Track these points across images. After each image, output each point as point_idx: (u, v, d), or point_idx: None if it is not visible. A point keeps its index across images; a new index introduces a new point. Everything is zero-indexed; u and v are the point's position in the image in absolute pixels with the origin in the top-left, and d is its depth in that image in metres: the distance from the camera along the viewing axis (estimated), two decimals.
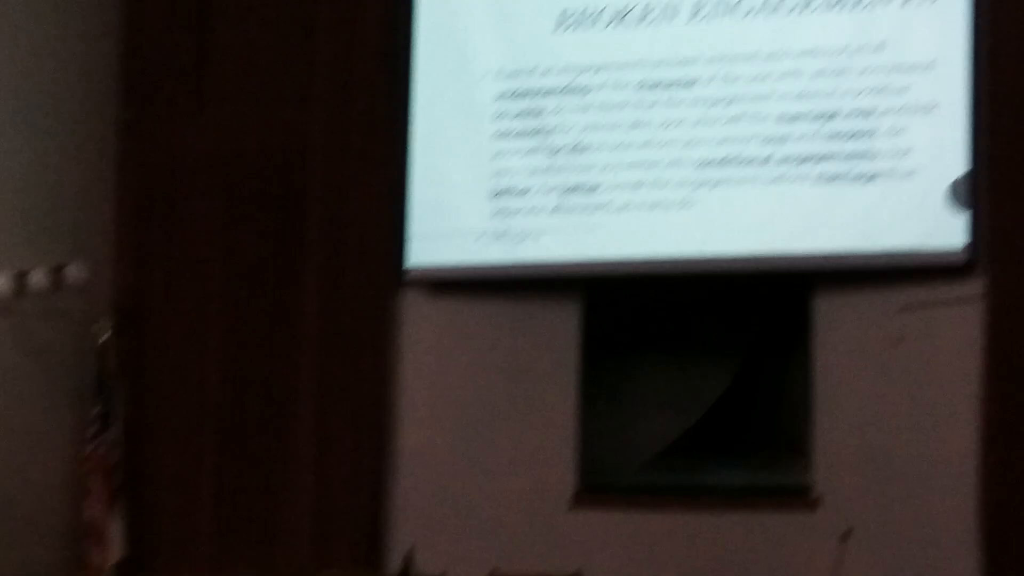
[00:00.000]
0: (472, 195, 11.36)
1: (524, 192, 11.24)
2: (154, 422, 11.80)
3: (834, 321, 10.44)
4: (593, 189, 11.01)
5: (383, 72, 11.58)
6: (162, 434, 11.84)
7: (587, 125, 11.03)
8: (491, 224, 11.29)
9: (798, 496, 10.22)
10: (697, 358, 11.20)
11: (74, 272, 11.08)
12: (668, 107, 10.72)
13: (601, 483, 10.88)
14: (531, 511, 10.71)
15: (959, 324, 9.93)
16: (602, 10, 10.78)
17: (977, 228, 9.60)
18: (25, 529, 10.68)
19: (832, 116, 10.23)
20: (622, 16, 10.83)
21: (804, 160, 10.30)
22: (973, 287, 9.80)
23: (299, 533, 11.31)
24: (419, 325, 11.52)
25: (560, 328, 11.06)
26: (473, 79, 11.43)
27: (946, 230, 9.89)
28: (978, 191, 9.60)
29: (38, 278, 10.87)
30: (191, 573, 11.28)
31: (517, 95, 11.27)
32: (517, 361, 11.12)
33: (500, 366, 11.20)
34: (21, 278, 10.82)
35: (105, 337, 11.45)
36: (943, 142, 9.94)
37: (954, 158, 9.84)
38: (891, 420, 10.04)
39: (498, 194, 11.30)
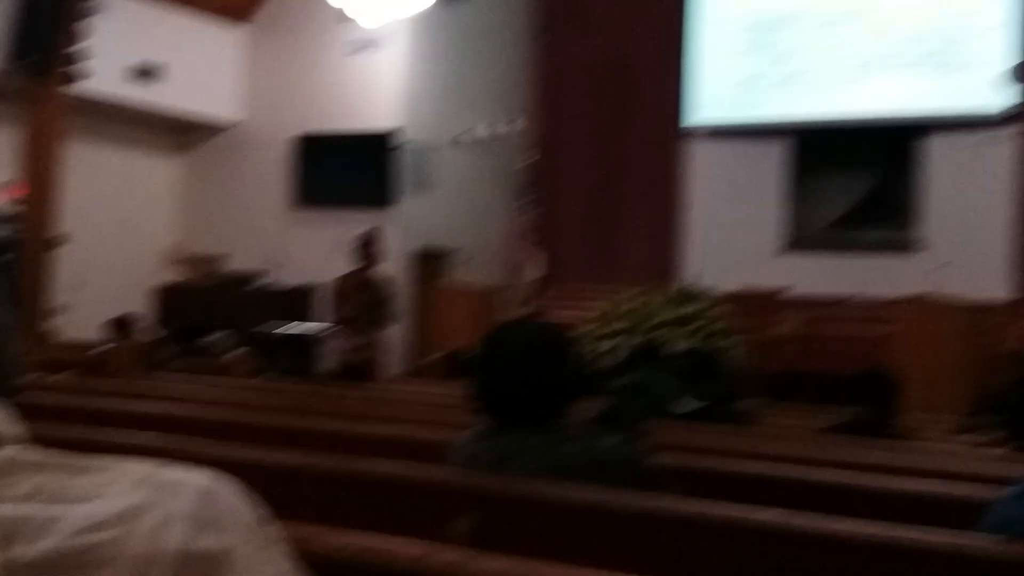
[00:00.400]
0: (726, 82, 16.35)
1: (756, 78, 16.13)
2: (554, 205, 16.87)
3: (935, 152, 15.19)
4: (797, 75, 15.76)
5: (677, 17, 16.59)
6: (562, 211, 16.98)
7: (796, 41, 15.78)
8: (737, 98, 16.31)
9: (911, 245, 15.01)
10: (855, 171, 15.91)
11: (516, 125, 16.45)
12: (843, 30, 15.56)
13: (797, 239, 15.92)
14: (759, 255, 15.60)
15: (1005, 154, 14.63)
16: None
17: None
18: (481, 264, 15.96)
19: (933, 32, 15.00)
20: None
21: (919, 58, 15.15)
22: (1013, 130, 14.47)
23: (633, 264, 16.28)
24: (697, 156, 16.73)
25: (777, 157, 16.10)
26: (732, 17, 16.29)
27: (1002, 96, 14.47)
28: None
29: (499, 127, 16.11)
30: (575, 282, 16.16)
31: (756, 23, 16.10)
32: (751, 174, 16.13)
33: (741, 176, 16.18)
34: (491, 127, 16.03)
35: (532, 159, 16.58)
36: (1004, 44, 14.55)
37: (1010, 53, 14.48)
38: (960, 205, 14.70)
39: (740, 82, 16.29)
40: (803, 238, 15.97)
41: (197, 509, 1.08)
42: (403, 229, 15.00)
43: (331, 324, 10.22)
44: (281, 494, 1.55)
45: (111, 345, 9.16)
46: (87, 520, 1.03)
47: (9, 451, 1.11)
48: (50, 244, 13.66)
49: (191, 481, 1.11)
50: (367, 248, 10.29)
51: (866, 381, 5.58)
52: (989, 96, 14.78)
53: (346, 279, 10.38)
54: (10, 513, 1.03)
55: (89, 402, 5.27)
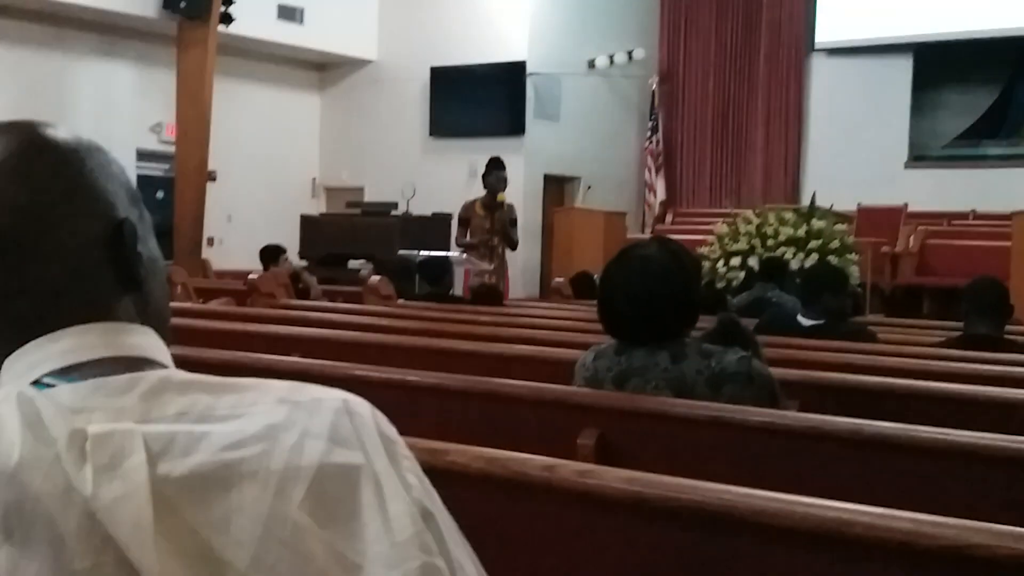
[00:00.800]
0: (849, 1, 16.23)
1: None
2: (679, 129, 17.07)
3: None
4: None
5: None
6: (683, 136, 17.11)
7: None
8: (859, 17, 16.02)
9: None
10: (977, 86, 15.69)
11: (640, 53, 16.27)
12: None
13: (923, 154, 15.80)
14: (881, 172, 15.47)
15: None
16: None
17: None
18: (607, 189, 16.01)
19: None
20: None
21: None
22: None
23: (754, 184, 16.43)
24: (819, 75, 16.63)
25: (899, 73, 15.88)
26: None
27: None
28: None
29: (621, 56, 16.01)
30: (699, 204, 16.48)
31: None
32: (874, 92, 15.89)
33: (863, 94, 15.95)
34: (612, 56, 15.94)
35: (654, 86, 16.67)
36: None
37: None
38: None
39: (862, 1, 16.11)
40: (924, 154, 15.85)
41: (333, 427, 1.10)
42: (532, 156, 15.22)
43: (461, 250, 10.30)
44: (415, 411, 1.59)
45: (259, 274, 9.30)
46: (232, 437, 1.07)
47: (160, 374, 1.14)
48: (202, 181, 14.01)
49: (328, 400, 1.13)
50: (490, 175, 10.44)
51: (970, 294, 5.49)
52: None
53: (471, 206, 10.57)
54: (162, 431, 1.06)
55: (238, 327, 5.37)
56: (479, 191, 10.59)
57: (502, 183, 10.52)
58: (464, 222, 10.64)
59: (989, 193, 14.38)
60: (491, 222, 10.48)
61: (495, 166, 10.49)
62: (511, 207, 10.69)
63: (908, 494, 1.69)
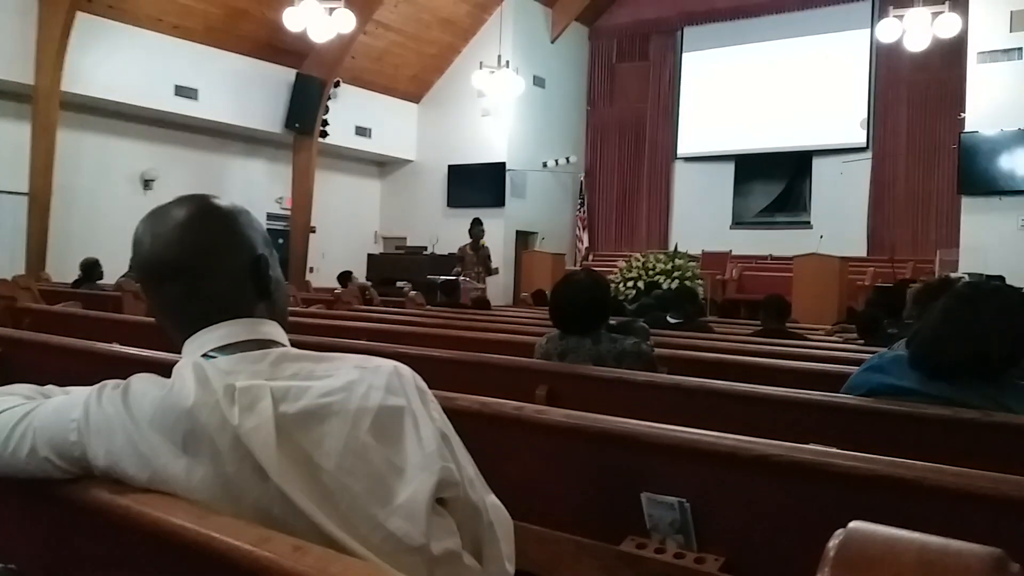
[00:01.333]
0: (697, 128, 15.76)
1: (712, 125, 15.44)
2: (597, 204, 16.70)
3: (819, 168, 14.59)
4: (736, 122, 15.26)
5: (671, 91, 16.11)
6: (599, 208, 16.75)
7: (735, 103, 15.12)
8: (702, 137, 15.64)
9: (805, 224, 14.51)
10: (772, 180, 15.22)
11: (573, 158, 16.24)
12: (762, 94, 14.89)
13: (741, 221, 15.50)
14: (716, 231, 15.15)
15: (863, 169, 14.13)
16: None
17: None
18: (553, 240, 15.70)
19: (818, 94, 14.32)
20: None
21: (809, 110, 14.41)
22: (867, 155, 14.06)
23: (641, 237, 15.97)
24: (681, 171, 16.27)
25: (726, 172, 15.59)
26: (699, 90, 16.07)
27: (860, 134, 14.12)
28: None
29: (563, 159, 15.97)
30: (608, 249, 16.06)
31: (711, 93, 16.01)
32: (711, 183, 15.59)
33: (705, 185, 15.72)
34: (557, 160, 15.91)
35: (582, 178, 16.55)
36: (861, 101, 14.09)
37: (864, 107, 14.09)
38: (835, 200, 14.22)
39: (704, 128, 15.62)
40: (742, 220, 15.66)
41: (388, 382, 1.10)
42: (509, 220, 15.22)
43: (462, 276, 10.16)
44: (436, 373, 1.57)
45: (341, 289, 9.29)
46: (325, 389, 1.07)
47: (281, 350, 1.13)
48: (306, 232, 14.12)
49: (385, 366, 1.13)
50: (474, 229, 10.60)
51: (766, 305, 5.54)
52: (853, 134, 14.42)
53: (464, 248, 10.68)
54: (281, 385, 1.06)
55: (328, 322, 5.37)
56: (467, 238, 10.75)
57: (481, 233, 10.60)
58: (459, 260, 10.63)
59: (779, 245, 14.23)
60: (476, 258, 10.51)
61: (476, 224, 10.64)
62: (486, 247, 10.69)
63: (734, 425, 1.68)
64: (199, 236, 1.14)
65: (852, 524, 0.60)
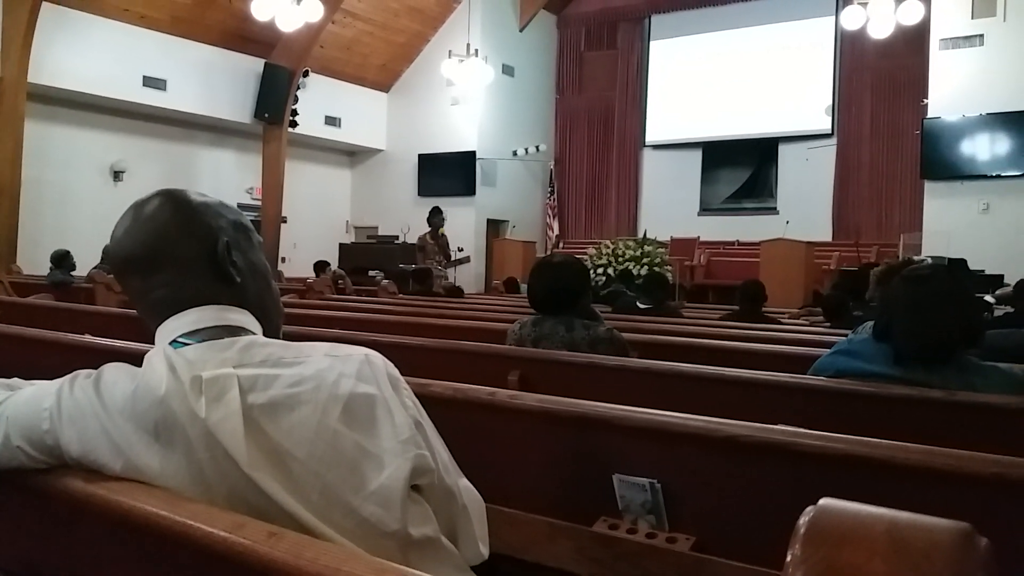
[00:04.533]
0: (665, 116, 15.71)
1: (681, 113, 15.40)
2: (566, 192, 16.62)
3: (786, 155, 14.59)
4: (704, 110, 15.17)
5: (640, 79, 16.13)
6: (568, 196, 16.60)
7: (702, 91, 15.12)
8: (671, 125, 15.64)
9: (772, 210, 14.67)
10: (739, 167, 15.26)
11: (543, 146, 16.07)
12: (729, 83, 14.84)
13: (708, 207, 15.45)
14: (684, 217, 15.07)
15: (828, 155, 14.06)
16: None
17: None
18: (524, 227, 15.64)
19: (784, 82, 14.34)
20: None
21: (776, 97, 14.44)
22: (831, 141, 14.07)
23: (610, 224, 15.85)
24: (648, 159, 16.23)
25: (694, 159, 15.52)
26: (667, 77, 16.13)
27: (825, 120, 14.17)
28: None
29: (532, 148, 15.81)
30: (578, 236, 15.99)
31: (680, 81, 15.97)
32: (679, 170, 15.54)
33: (673, 172, 15.67)
34: (527, 148, 15.70)
35: (552, 166, 16.34)
36: (826, 88, 14.11)
37: (829, 94, 14.12)
38: (800, 185, 14.21)
39: (672, 115, 15.66)
40: (709, 207, 15.61)
41: (359, 370, 1.09)
42: (480, 209, 15.15)
43: (427, 264, 10.09)
44: (409, 360, 1.56)
45: (313, 279, 9.23)
46: (294, 377, 1.06)
47: (250, 338, 1.12)
48: (277, 222, 13.99)
49: (356, 354, 1.12)
50: (435, 218, 10.60)
51: (743, 289, 5.57)
52: (818, 120, 14.42)
53: (423, 237, 10.73)
54: (250, 374, 1.05)
55: (301, 311, 5.32)
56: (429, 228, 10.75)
57: (441, 222, 10.62)
58: (420, 249, 10.66)
59: (746, 230, 14.26)
60: (437, 247, 10.55)
61: (435, 212, 10.65)
62: (445, 236, 10.76)
63: (705, 407, 1.68)
64: (158, 226, 1.14)
65: (822, 501, 0.60)
